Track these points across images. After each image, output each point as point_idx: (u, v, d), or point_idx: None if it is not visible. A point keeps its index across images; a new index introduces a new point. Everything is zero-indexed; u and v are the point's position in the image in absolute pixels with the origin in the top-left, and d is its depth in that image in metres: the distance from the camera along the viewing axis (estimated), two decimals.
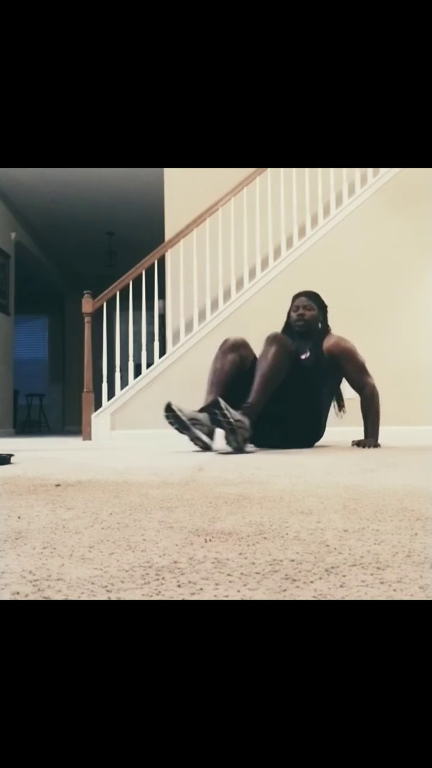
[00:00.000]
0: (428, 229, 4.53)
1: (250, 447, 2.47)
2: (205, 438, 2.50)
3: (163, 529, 0.71)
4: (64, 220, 7.76)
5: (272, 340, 2.49)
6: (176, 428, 2.48)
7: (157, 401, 4.19)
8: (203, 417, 2.49)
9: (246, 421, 2.31)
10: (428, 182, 4.57)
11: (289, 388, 2.50)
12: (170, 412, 2.44)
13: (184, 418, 2.44)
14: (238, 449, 2.30)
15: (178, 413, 2.43)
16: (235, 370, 2.59)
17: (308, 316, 2.77)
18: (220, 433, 2.58)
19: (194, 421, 2.48)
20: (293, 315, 2.80)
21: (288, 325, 2.85)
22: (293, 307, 2.82)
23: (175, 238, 4.57)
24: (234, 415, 2.26)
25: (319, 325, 2.81)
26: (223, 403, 2.24)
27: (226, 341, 2.66)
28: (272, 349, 2.46)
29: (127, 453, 2.54)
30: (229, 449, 2.35)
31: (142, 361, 4.60)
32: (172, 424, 2.47)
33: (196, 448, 2.56)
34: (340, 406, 2.81)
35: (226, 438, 2.32)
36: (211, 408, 2.28)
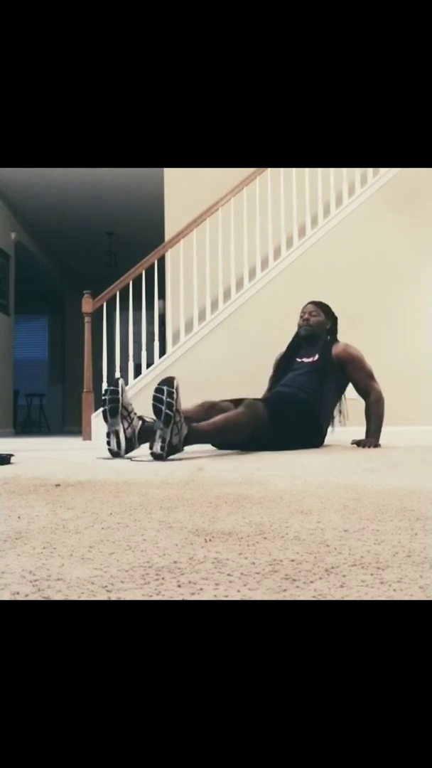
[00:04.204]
0: (428, 229, 4.53)
1: (178, 455, 2.09)
2: (122, 437, 2.12)
3: (163, 529, 0.71)
4: (64, 220, 7.76)
5: (245, 403, 2.35)
6: (107, 409, 2.13)
7: None
8: (135, 419, 2.20)
9: (184, 427, 2.00)
10: (428, 182, 4.57)
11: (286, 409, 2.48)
12: (114, 387, 2.13)
13: (121, 399, 2.13)
14: (160, 454, 1.92)
15: (121, 392, 2.13)
16: (196, 417, 2.36)
17: (313, 322, 2.81)
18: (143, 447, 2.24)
19: (126, 414, 2.15)
20: (300, 321, 2.87)
21: (297, 333, 2.90)
22: (300, 314, 2.89)
23: (175, 238, 4.57)
24: (179, 405, 1.95)
25: (328, 337, 2.83)
26: (176, 383, 1.95)
27: (203, 402, 2.50)
28: (240, 408, 2.32)
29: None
30: (147, 458, 1.98)
31: (142, 361, 4.59)
32: (105, 402, 2.14)
33: (105, 452, 2.20)
34: (340, 416, 2.83)
35: (154, 434, 1.95)
36: (160, 384, 1.96)
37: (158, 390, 1.95)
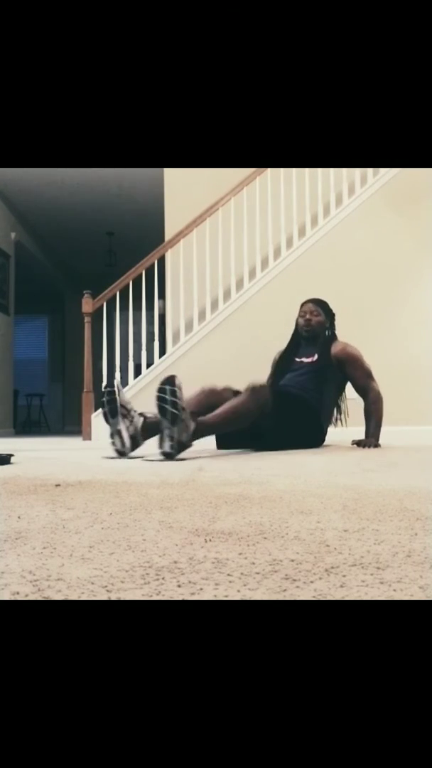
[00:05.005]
0: (428, 228, 4.53)
1: (185, 453, 2.07)
2: (125, 436, 2.14)
3: (163, 529, 0.71)
4: (64, 220, 7.76)
5: (248, 389, 2.34)
6: (106, 410, 2.15)
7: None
8: (136, 417, 2.21)
9: (191, 423, 2.01)
10: (428, 182, 4.57)
11: (287, 406, 2.47)
12: (110, 388, 2.15)
13: (120, 400, 2.14)
14: (170, 453, 1.93)
15: (117, 391, 2.14)
16: (198, 408, 2.34)
17: (315, 322, 2.80)
18: (149, 443, 2.25)
19: (125, 412, 2.16)
20: (300, 321, 2.84)
21: (296, 332, 2.89)
22: (300, 313, 2.86)
23: (175, 238, 4.57)
24: (183, 403, 1.96)
25: (327, 333, 2.84)
26: (178, 381, 1.95)
27: (202, 388, 2.50)
28: (244, 395, 2.31)
29: None
30: (157, 456, 1.98)
31: (142, 361, 4.59)
32: (104, 404, 2.15)
33: (110, 451, 2.22)
34: (340, 415, 2.82)
35: (162, 433, 1.95)
36: (162, 384, 1.96)
37: (161, 390, 1.96)
